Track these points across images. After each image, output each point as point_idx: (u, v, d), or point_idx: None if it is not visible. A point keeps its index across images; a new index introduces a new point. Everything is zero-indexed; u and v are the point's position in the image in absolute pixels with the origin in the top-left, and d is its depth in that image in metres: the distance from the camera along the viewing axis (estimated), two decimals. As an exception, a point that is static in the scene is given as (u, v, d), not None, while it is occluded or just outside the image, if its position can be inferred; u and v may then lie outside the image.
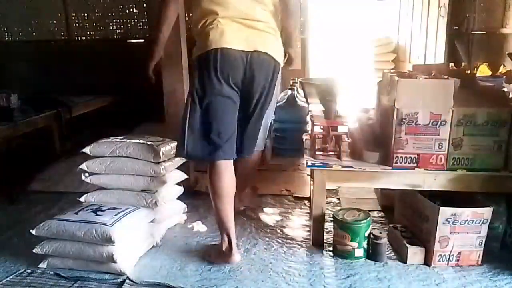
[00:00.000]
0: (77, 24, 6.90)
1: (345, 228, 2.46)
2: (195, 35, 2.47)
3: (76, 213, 2.48)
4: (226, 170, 2.38)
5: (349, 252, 2.48)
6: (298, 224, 2.98)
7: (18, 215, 3.21)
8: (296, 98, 4.67)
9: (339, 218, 2.49)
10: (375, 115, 3.02)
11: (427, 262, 2.40)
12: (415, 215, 2.54)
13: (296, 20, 3.00)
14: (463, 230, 2.32)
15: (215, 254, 2.49)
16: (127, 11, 6.79)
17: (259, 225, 2.98)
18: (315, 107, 2.84)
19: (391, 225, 2.71)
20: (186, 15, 5.63)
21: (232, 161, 2.44)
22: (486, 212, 2.30)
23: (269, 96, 2.43)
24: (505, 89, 3.48)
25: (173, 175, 2.88)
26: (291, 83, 5.13)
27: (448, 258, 2.38)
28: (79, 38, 6.93)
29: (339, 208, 2.96)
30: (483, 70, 5.02)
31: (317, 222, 2.62)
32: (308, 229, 2.87)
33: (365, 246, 2.48)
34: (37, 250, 2.42)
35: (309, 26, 6.26)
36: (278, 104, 4.73)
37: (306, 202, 3.33)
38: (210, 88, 2.32)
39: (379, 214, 3.07)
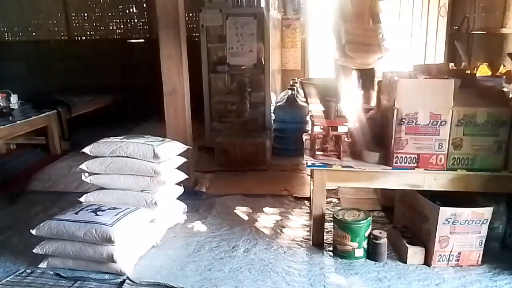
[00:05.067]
0: (77, 24, 6.92)
1: (345, 228, 2.46)
2: None
3: (76, 213, 2.48)
4: None
5: (349, 252, 2.48)
6: (298, 224, 2.98)
7: (18, 215, 3.21)
8: (296, 98, 4.68)
9: (339, 218, 2.49)
10: (375, 115, 3.02)
11: (427, 262, 2.40)
12: (415, 215, 2.55)
13: None
14: (463, 230, 2.32)
15: None
16: (127, 11, 6.81)
17: (259, 225, 2.98)
18: (315, 107, 2.84)
19: (391, 225, 2.71)
20: (186, 15, 5.66)
21: None
22: (486, 212, 2.30)
23: None
24: (505, 89, 3.48)
25: (173, 175, 2.88)
26: (291, 83, 5.14)
27: (448, 258, 2.38)
28: (79, 38, 6.94)
29: (339, 208, 2.96)
30: (483, 70, 5.01)
31: (317, 222, 2.62)
32: (308, 229, 2.87)
33: (365, 246, 2.48)
34: (37, 250, 2.43)
35: (309, 26, 6.27)
36: (278, 104, 4.76)
37: (306, 202, 3.33)
38: None
39: (379, 214, 3.07)
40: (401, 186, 2.55)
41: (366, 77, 3.69)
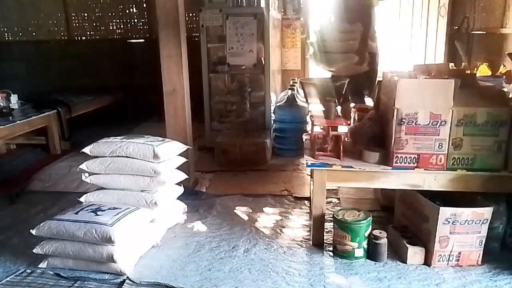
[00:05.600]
0: (77, 24, 6.92)
1: (345, 228, 2.46)
2: None
3: (76, 213, 2.48)
4: None
5: (349, 252, 2.48)
6: (298, 224, 2.98)
7: (18, 215, 3.21)
8: (296, 98, 4.68)
9: (339, 218, 2.49)
10: (375, 115, 3.02)
11: (427, 262, 2.40)
12: (415, 215, 2.55)
13: None
14: (463, 230, 2.32)
15: None
16: (127, 11, 6.81)
17: (259, 225, 2.98)
18: (315, 107, 2.84)
19: (391, 225, 2.71)
20: (186, 15, 5.66)
21: None
22: (486, 212, 2.30)
23: None
24: (505, 89, 3.48)
25: (173, 175, 2.88)
26: (291, 83, 5.14)
27: (448, 258, 2.38)
28: (79, 38, 6.94)
29: (339, 208, 2.96)
30: (483, 70, 5.01)
31: (317, 222, 2.62)
32: (308, 229, 2.87)
33: (365, 246, 2.48)
34: (37, 250, 2.43)
35: (309, 26, 6.27)
36: (278, 104, 4.76)
37: (306, 202, 3.33)
38: None
39: (379, 214, 3.07)
40: (401, 186, 2.55)
41: (356, 82, 3.43)
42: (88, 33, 6.92)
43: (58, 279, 2.34)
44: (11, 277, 2.36)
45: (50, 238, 2.43)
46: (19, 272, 2.41)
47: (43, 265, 2.45)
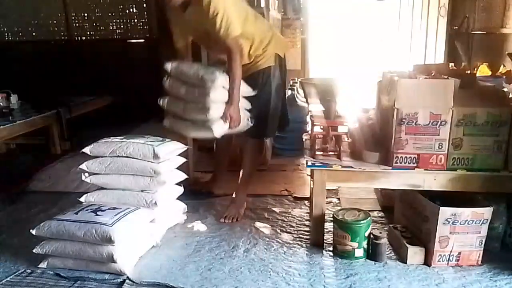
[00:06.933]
0: (77, 24, 6.90)
1: (345, 228, 2.46)
2: None
3: (76, 213, 2.47)
4: None
5: (349, 252, 2.48)
6: (298, 224, 2.98)
7: (18, 215, 3.21)
8: (296, 98, 4.67)
9: (339, 218, 2.49)
10: (375, 115, 3.02)
11: (427, 262, 2.40)
12: (415, 215, 2.55)
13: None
14: (463, 230, 2.32)
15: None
16: (127, 11, 6.79)
17: (259, 225, 2.98)
18: (315, 107, 2.84)
19: (391, 225, 2.71)
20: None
21: None
22: (486, 212, 2.30)
23: None
24: (505, 89, 3.49)
25: (173, 175, 2.88)
26: (291, 83, 5.14)
27: (448, 258, 2.38)
28: (79, 38, 6.93)
29: (339, 208, 2.96)
30: (483, 70, 5.02)
31: (317, 222, 2.62)
32: (308, 229, 2.87)
33: (365, 246, 2.48)
34: (37, 250, 2.43)
35: (309, 26, 6.27)
36: (278, 104, 4.75)
37: (306, 202, 3.33)
38: None
39: (379, 214, 3.08)
40: (401, 186, 2.55)
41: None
42: (88, 33, 6.90)
43: (58, 279, 2.34)
44: (11, 277, 2.36)
45: (50, 238, 2.43)
46: (19, 272, 2.41)
47: (43, 265, 2.45)
